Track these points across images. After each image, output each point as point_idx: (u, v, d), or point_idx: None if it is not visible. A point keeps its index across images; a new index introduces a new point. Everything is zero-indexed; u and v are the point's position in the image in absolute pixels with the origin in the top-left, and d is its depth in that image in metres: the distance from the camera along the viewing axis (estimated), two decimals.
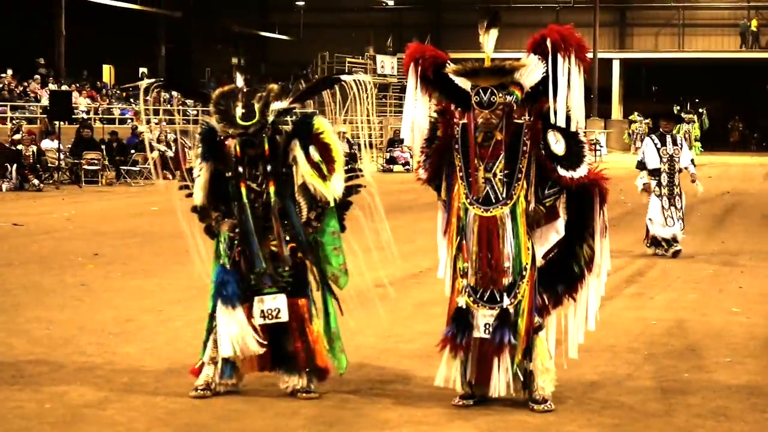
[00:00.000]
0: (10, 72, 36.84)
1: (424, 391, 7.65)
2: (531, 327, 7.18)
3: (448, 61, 7.36)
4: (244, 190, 7.36)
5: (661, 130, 15.64)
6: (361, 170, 7.73)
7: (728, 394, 7.76)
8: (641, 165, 15.55)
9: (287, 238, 7.40)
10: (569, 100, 7.15)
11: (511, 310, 7.13)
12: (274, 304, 7.36)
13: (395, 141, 37.53)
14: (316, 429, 6.79)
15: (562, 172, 7.15)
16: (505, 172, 7.17)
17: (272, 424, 6.89)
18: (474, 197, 7.20)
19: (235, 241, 7.41)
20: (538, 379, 7.18)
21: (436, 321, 10.13)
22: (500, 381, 7.12)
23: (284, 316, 7.37)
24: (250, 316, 7.37)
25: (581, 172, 7.19)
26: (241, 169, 7.38)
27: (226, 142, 7.46)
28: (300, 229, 7.41)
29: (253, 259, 7.35)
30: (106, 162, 30.56)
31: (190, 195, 7.58)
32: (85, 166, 29.74)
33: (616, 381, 8.07)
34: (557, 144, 7.15)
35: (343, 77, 7.76)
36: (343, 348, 7.59)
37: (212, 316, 7.47)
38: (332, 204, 7.46)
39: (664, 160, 15.30)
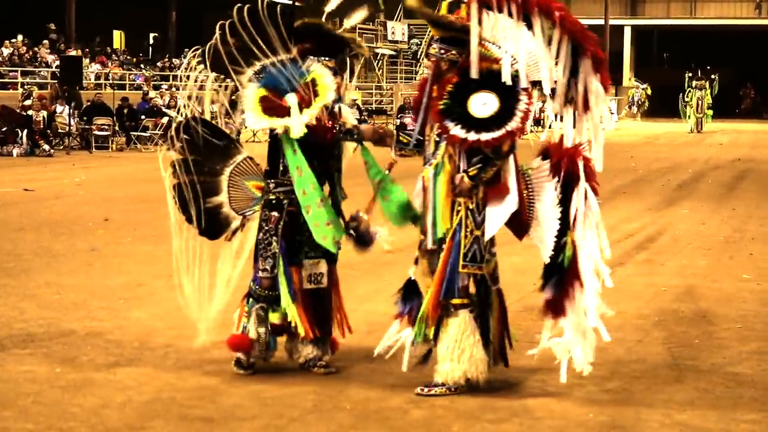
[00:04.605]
0: (20, 37, 36.76)
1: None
2: (437, 302, 6.82)
3: None
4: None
5: None
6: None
7: (738, 360, 7.77)
8: None
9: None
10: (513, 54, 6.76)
11: (421, 281, 6.91)
12: (318, 269, 7.23)
13: (405, 108, 37.44)
14: (325, 394, 6.80)
15: (455, 131, 6.71)
16: (438, 131, 6.90)
17: (283, 387, 6.91)
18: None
19: (284, 202, 7.29)
20: (440, 365, 6.87)
21: None
22: (405, 353, 6.95)
23: (325, 282, 7.26)
24: (300, 279, 7.23)
25: (488, 136, 6.66)
26: None
27: None
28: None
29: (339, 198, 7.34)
30: (117, 128, 30.59)
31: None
32: (96, 132, 29.79)
33: (626, 347, 8.06)
34: (484, 106, 6.73)
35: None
36: None
37: (250, 294, 7.31)
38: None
39: None
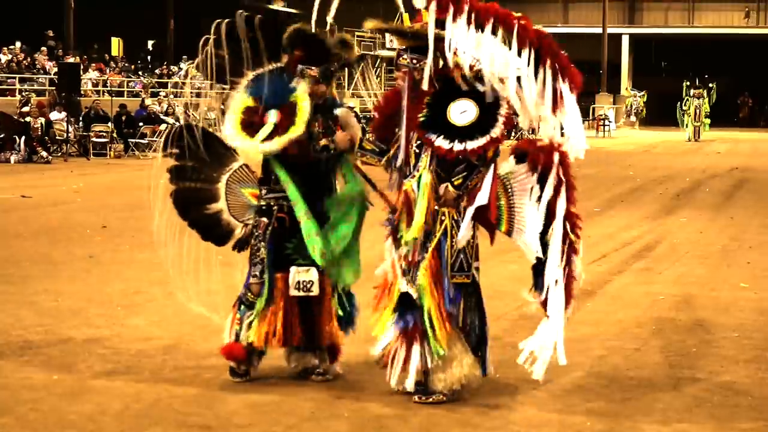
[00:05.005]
0: (18, 44, 36.77)
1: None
2: (446, 315, 6.71)
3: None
4: None
5: None
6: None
7: (735, 368, 7.76)
8: None
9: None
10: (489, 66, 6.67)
11: (413, 293, 6.79)
12: (307, 277, 7.16)
13: None
14: (323, 402, 6.80)
15: (438, 142, 6.66)
16: (418, 142, 6.84)
17: (281, 395, 6.91)
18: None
19: (274, 208, 7.28)
20: (434, 373, 6.81)
21: None
22: (404, 371, 6.84)
23: (316, 290, 7.18)
24: (287, 285, 7.20)
25: (473, 144, 6.62)
26: None
27: None
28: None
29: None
30: (115, 135, 30.60)
31: None
32: (94, 139, 29.81)
33: (623, 355, 8.07)
34: (463, 114, 6.70)
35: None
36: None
37: (241, 300, 7.31)
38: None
39: None
